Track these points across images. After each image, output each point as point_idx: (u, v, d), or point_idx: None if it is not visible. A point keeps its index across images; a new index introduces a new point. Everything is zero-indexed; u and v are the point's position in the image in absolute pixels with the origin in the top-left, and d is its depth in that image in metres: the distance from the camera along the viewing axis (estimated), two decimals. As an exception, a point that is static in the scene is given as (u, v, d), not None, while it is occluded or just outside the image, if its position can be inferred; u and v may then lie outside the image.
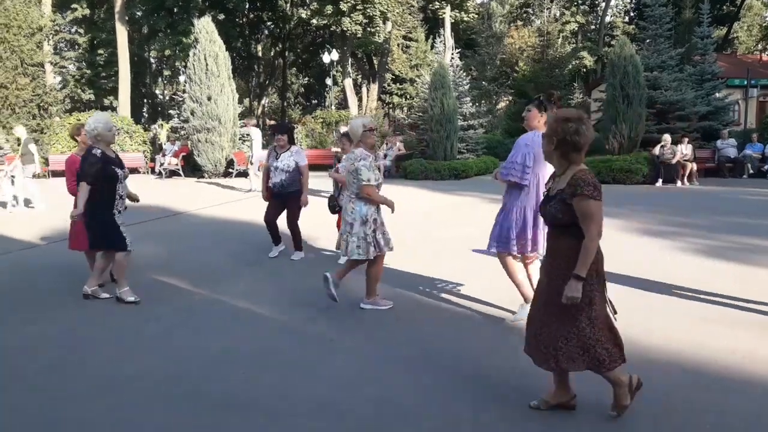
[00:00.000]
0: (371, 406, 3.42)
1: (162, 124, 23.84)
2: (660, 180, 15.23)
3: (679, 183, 15.15)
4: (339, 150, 7.65)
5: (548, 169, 4.43)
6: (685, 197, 13.04)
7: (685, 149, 15.40)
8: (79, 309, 5.41)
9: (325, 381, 3.77)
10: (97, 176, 5.22)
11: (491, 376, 3.78)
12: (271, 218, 7.30)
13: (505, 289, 5.11)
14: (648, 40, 19.74)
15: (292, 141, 7.32)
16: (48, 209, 11.84)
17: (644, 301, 5.25)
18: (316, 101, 50.93)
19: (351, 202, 5.02)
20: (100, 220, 5.35)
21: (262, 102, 46.74)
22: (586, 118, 3.08)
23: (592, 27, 44.54)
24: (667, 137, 15.51)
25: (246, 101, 42.15)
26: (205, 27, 19.04)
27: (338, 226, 7.06)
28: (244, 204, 12.78)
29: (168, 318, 5.15)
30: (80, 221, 5.44)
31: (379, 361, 4.06)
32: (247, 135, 16.10)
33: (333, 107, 33.19)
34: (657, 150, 15.50)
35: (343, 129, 7.95)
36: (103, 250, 5.57)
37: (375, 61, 37.66)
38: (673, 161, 15.23)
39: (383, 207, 5.13)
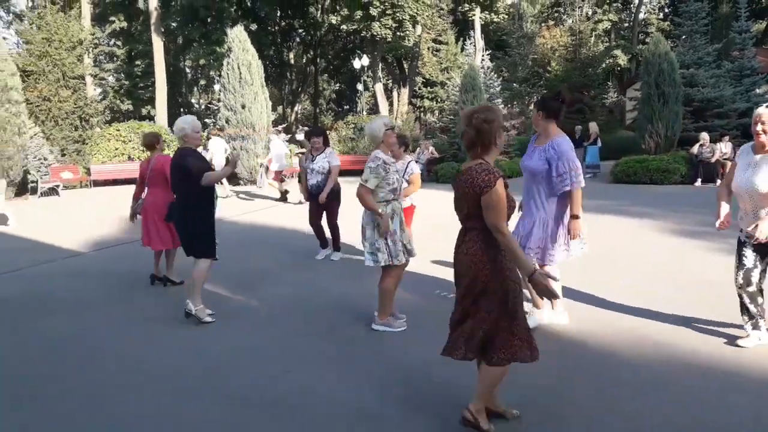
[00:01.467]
0: (400, 407, 3.47)
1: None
2: (699, 180, 14.90)
3: (718, 182, 14.76)
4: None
5: None
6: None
7: (724, 147, 15.04)
8: (118, 308, 5.59)
9: (354, 382, 3.84)
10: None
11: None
12: (315, 221, 7.64)
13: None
14: (683, 37, 19.34)
15: (327, 143, 7.57)
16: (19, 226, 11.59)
17: (683, 301, 5.18)
18: (347, 107, 51.24)
19: None
20: (201, 224, 5.17)
21: (295, 109, 47.26)
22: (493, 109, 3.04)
23: (626, 25, 43.75)
24: (705, 135, 15.17)
25: (279, 108, 42.69)
26: (238, 36, 19.39)
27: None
28: (281, 210, 12.99)
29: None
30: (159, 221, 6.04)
31: (407, 363, 4.10)
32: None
33: (364, 112, 33.37)
34: (695, 149, 15.17)
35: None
36: (194, 257, 5.23)
37: (405, 65, 37.72)
38: (712, 160, 14.88)
39: (403, 213, 5.02)
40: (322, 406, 3.52)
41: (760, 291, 4.12)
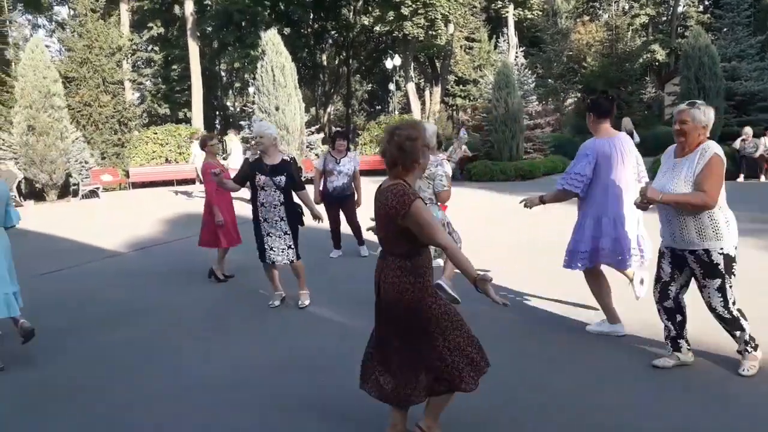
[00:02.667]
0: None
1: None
2: (741, 175, 14.45)
3: (762, 178, 14.33)
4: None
5: (620, 174, 4.32)
6: (770, 192, 12.31)
7: (768, 142, 14.56)
8: (149, 317, 5.69)
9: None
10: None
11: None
12: (336, 225, 7.81)
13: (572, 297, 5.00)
14: (725, 29, 18.80)
15: (349, 148, 7.76)
16: None
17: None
18: (379, 107, 51.33)
19: None
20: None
21: (328, 110, 47.52)
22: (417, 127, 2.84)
23: (664, 18, 42.76)
24: (748, 130, 14.70)
25: (312, 110, 43.00)
26: (271, 39, 19.58)
27: None
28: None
29: (236, 322, 5.33)
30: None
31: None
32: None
33: (396, 112, 33.35)
34: (737, 143, 14.72)
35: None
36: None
37: (437, 64, 37.56)
38: (756, 155, 14.41)
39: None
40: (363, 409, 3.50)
41: (679, 307, 3.76)
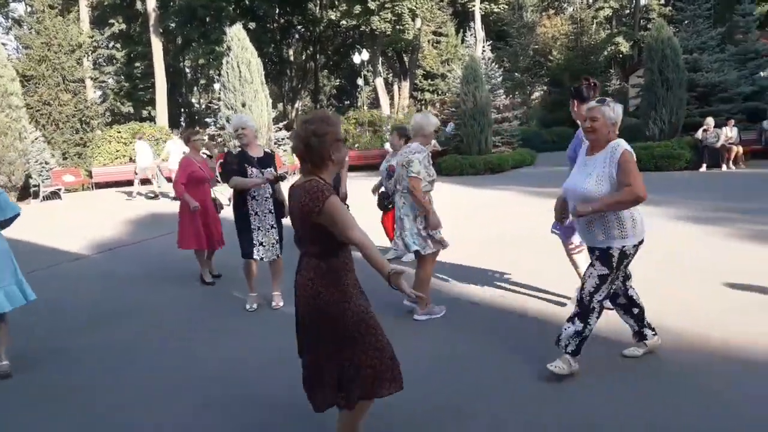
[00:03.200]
0: (429, 405, 3.38)
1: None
2: (704, 165, 14.75)
3: (724, 167, 14.65)
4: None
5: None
6: (732, 181, 12.58)
7: (729, 132, 14.87)
8: (129, 319, 5.53)
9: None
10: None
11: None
12: None
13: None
14: (686, 22, 19.14)
15: None
16: None
17: (706, 291, 5.08)
18: (348, 102, 51.11)
19: (402, 197, 4.92)
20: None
21: (296, 106, 47.14)
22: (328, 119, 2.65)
23: (627, 11, 43.43)
24: (709, 120, 15.01)
25: (279, 106, 42.59)
26: (237, 35, 19.27)
27: (383, 222, 7.17)
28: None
29: (217, 323, 5.21)
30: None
31: (432, 361, 4.01)
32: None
33: (365, 107, 33.25)
34: (699, 134, 15.01)
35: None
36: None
37: (405, 59, 37.54)
38: (717, 145, 14.73)
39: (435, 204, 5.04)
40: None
41: (631, 300, 3.77)
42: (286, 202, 5.29)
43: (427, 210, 4.75)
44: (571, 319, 3.58)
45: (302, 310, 2.66)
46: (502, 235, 8.12)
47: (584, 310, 3.51)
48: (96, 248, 9.30)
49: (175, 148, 14.83)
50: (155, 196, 15.99)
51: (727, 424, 3.01)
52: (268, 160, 5.33)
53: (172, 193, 13.95)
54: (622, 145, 3.44)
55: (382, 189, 7.02)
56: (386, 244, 7.12)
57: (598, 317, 3.54)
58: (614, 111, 3.49)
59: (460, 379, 3.72)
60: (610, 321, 4.16)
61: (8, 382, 4.17)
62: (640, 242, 3.52)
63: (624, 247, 3.44)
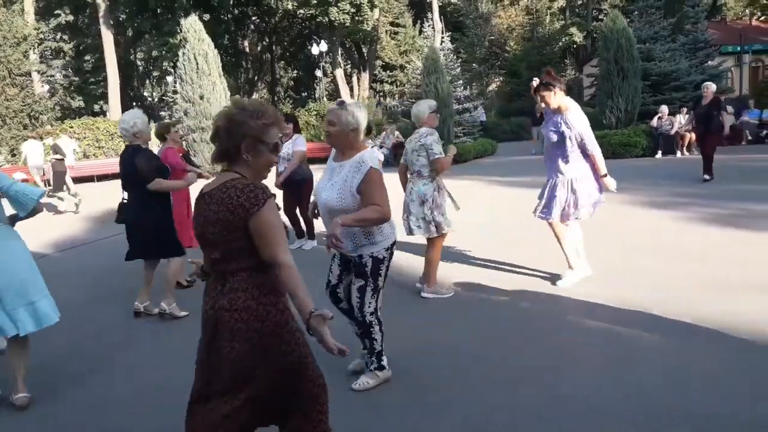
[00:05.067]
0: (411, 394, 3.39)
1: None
2: (659, 152, 15.18)
3: (678, 154, 15.11)
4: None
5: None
6: (686, 168, 12.98)
7: (682, 119, 15.34)
8: (102, 314, 5.36)
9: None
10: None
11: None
12: (291, 210, 7.38)
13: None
14: (637, 12, 19.62)
15: (297, 130, 7.36)
16: None
17: (659, 270, 5.23)
18: (306, 94, 50.65)
19: (409, 182, 5.09)
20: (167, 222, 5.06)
21: (253, 98, 46.54)
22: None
23: (580, 2, 44.29)
24: (664, 108, 15.44)
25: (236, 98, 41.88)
26: (192, 26, 18.88)
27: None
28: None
29: (189, 322, 5.11)
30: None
31: (417, 350, 4.02)
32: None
33: (324, 99, 33.02)
34: (654, 122, 15.44)
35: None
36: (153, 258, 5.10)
37: (364, 50, 37.43)
38: (672, 132, 15.18)
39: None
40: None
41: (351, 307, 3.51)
42: None
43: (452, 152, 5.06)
44: (362, 342, 3.48)
45: (234, 345, 2.09)
46: (469, 224, 8.19)
47: (364, 328, 3.41)
48: (56, 247, 8.99)
49: (69, 147, 14.69)
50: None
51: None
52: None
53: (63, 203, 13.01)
54: (368, 162, 3.20)
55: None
56: None
57: (380, 328, 3.41)
58: (353, 116, 3.22)
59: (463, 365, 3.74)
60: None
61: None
62: (393, 244, 3.37)
63: (373, 253, 3.29)
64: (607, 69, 16.37)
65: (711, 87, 10.61)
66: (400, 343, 3.97)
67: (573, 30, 37.71)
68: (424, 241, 5.23)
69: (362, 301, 3.35)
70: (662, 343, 3.84)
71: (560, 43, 34.76)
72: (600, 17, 33.95)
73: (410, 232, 5.06)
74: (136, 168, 4.81)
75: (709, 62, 19.76)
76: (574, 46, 38.34)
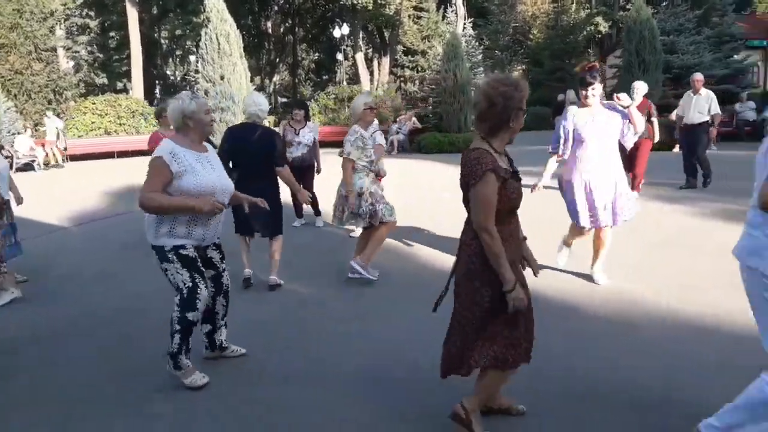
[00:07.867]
0: (403, 371, 3.52)
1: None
2: (678, 146, 15.01)
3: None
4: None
5: (587, 149, 4.76)
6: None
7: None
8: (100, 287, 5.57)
9: (357, 350, 3.90)
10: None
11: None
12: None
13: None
14: (664, 3, 19.34)
15: (308, 117, 7.74)
16: None
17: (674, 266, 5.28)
18: (327, 77, 50.60)
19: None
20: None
21: (274, 79, 46.64)
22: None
23: (607, -9, 43.52)
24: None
25: (257, 79, 42.03)
26: (216, 6, 18.99)
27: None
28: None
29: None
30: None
31: (410, 329, 4.15)
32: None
33: (345, 82, 33.01)
34: (673, 115, 15.25)
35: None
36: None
37: (386, 34, 37.21)
38: (692, 126, 14.98)
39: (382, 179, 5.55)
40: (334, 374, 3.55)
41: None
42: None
43: (348, 187, 5.09)
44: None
45: (460, 272, 2.72)
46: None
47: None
48: (76, 220, 9.25)
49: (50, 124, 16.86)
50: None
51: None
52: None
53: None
54: (162, 149, 3.31)
55: None
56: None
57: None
58: (184, 102, 3.36)
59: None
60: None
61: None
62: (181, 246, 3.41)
63: (164, 246, 3.39)
64: (628, 61, 16.27)
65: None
66: (404, 335, 4.10)
67: (598, 19, 37.08)
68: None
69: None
70: (678, 336, 3.93)
71: (584, 32, 34.24)
72: (627, 7, 33.39)
73: (341, 223, 5.41)
74: (276, 148, 5.10)
75: (735, 56, 19.43)
76: (599, 35, 37.72)
